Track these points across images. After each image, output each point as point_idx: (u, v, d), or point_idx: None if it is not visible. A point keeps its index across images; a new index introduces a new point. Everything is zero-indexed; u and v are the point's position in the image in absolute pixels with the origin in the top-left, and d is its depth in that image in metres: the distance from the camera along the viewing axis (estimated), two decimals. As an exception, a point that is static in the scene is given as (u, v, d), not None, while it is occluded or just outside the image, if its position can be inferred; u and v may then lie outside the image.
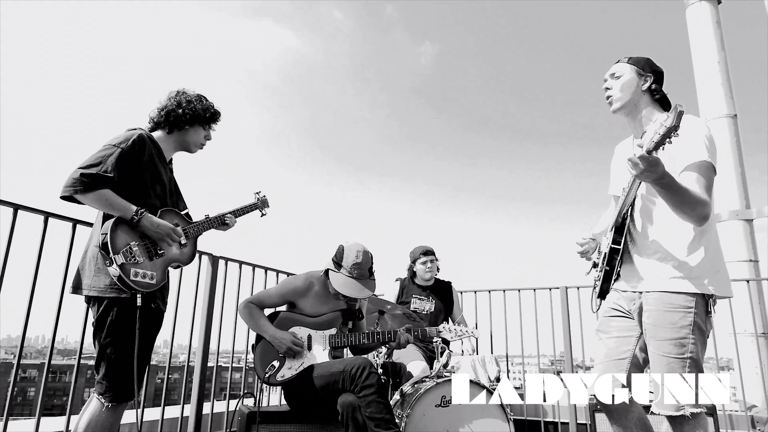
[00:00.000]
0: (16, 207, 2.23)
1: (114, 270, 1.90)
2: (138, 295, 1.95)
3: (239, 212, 2.52)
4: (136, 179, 2.04)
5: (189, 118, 2.22)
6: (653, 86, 1.95)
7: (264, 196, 2.61)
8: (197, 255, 3.18)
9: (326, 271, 2.69)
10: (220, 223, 2.39)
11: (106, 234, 1.93)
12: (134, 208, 1.98)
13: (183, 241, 2.18)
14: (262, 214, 2.64)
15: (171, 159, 2.32)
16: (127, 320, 1.94)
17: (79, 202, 1.96)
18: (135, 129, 2.13)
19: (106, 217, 2.00)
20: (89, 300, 2.01)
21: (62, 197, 1.93)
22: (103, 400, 1.91)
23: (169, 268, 2.19)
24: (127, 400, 1.96)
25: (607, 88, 1.99)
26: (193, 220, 2.31)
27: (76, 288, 1.99)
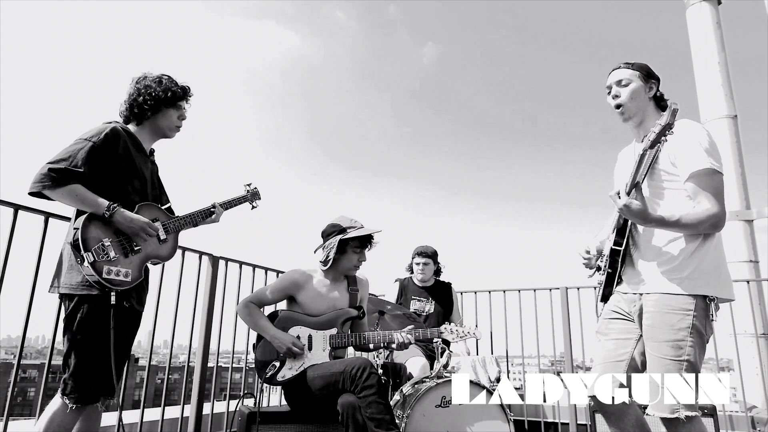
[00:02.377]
0: (16, 207, 2.23)
1: (86, 268, 1.84)
2: (112, 293, 1.88)
3: (227, 205, 2.42)
4: (111, 174, 1.98)
5: (152, 104, 2.12)
6: (658, 93, 1.95)
7: (255, 188, 2.53)
8: (198, 255, 3.20)
9: (339, 245, 2.68)
10: (205, 216, 2.29)
11: (77, 230, 1.86)
12: (106, 203, 1.91)
13: (162, 236, 2.09)
14: (253, 207, 2.56)
15: (152, 150, 2.25)
16: (97, 318, 1.87)
17: (49, 199, 1.90)
18: (110, 122, 2.06)
19: (79, 214, 1.93)
20: (62, 297, 1.94)
21: (30, 193, 1.86)
22: (67, 401, 1.84)
23: (150, 265, 2.12)
24: (92, 401, 1.89)
25: (616, 96, 1.94)
26: (176, 215, 2.22)
27: (52, 287, 1.94)
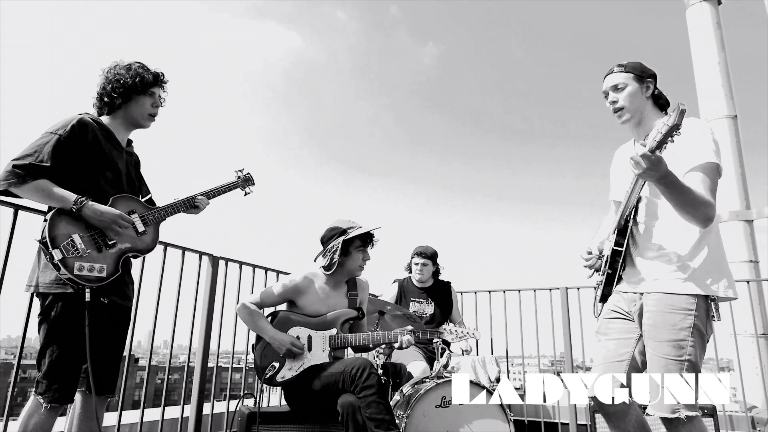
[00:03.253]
0: (16, 207, 2.22)
1: (56, 265, 1.79)
2: (87, 290, 1.82)
3: (214, 193, 2.30)
4: (81, 166, 1.91)
5: (122, 92, 2.04)
6: (656, 91, 1.95)
7: (247, 174, 2.39)
8: (198, 256, 3.19)
9: (343, 247, 2.68)
10: (188, 206, 2.19)
11: (45, 226, 1.81)
12: (74, 197, 1.83)
13: (141, 228, 2.02)
14: (246, 193, 2.43)
15: (130, 141, 2.18)
16: (71, 317, 1.82)
17: (17, 196, 1.85)
18: (80, 113, 1.99)
19: (50, 210, 1.87)
20: (36, 295, 1.89)
21: None
22: (42, 401, 1.78)
23: (130, 259, 2.04)
24: (68, 401, 1.84)
25: (614, 102, 1.95)
26: (156, 206, 2.14)
27: (27, 285, 1.89)
